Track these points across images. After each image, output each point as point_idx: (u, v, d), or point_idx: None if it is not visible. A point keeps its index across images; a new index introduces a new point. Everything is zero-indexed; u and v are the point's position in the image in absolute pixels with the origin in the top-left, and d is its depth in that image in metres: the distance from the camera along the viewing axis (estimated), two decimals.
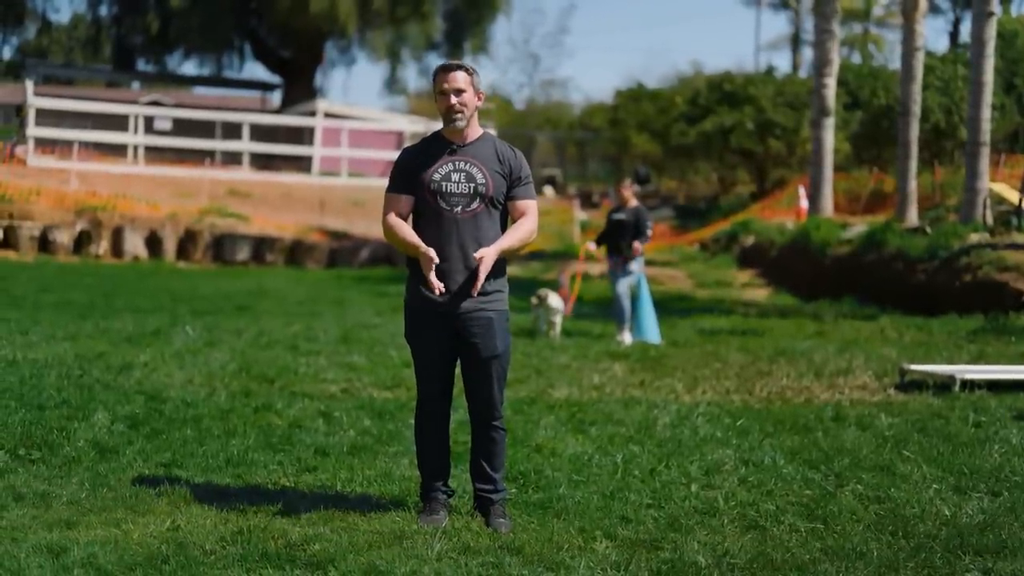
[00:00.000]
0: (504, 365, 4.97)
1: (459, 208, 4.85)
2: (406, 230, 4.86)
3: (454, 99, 4.84)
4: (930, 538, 4.75)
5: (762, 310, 16.60)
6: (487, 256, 4.76)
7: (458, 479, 5.45)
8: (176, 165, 30.85)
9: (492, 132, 5.09)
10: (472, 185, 4.86)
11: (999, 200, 18.35)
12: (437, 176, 4.86)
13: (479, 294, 4.83)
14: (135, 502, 5.12)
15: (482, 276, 4.76)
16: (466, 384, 5.00)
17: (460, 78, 4.87)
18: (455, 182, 4.85)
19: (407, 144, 30.31)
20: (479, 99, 4.93)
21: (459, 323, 4.86)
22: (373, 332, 12.00)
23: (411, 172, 4.91)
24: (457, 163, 4.88)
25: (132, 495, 5.23)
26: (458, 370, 5.04)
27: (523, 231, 4.92)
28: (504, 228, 4.98)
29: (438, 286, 4.74)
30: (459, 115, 4.85)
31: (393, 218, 4.91)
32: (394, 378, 8.86)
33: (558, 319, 12.32)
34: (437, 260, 4.74)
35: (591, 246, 13.07)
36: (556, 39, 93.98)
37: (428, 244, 4.82)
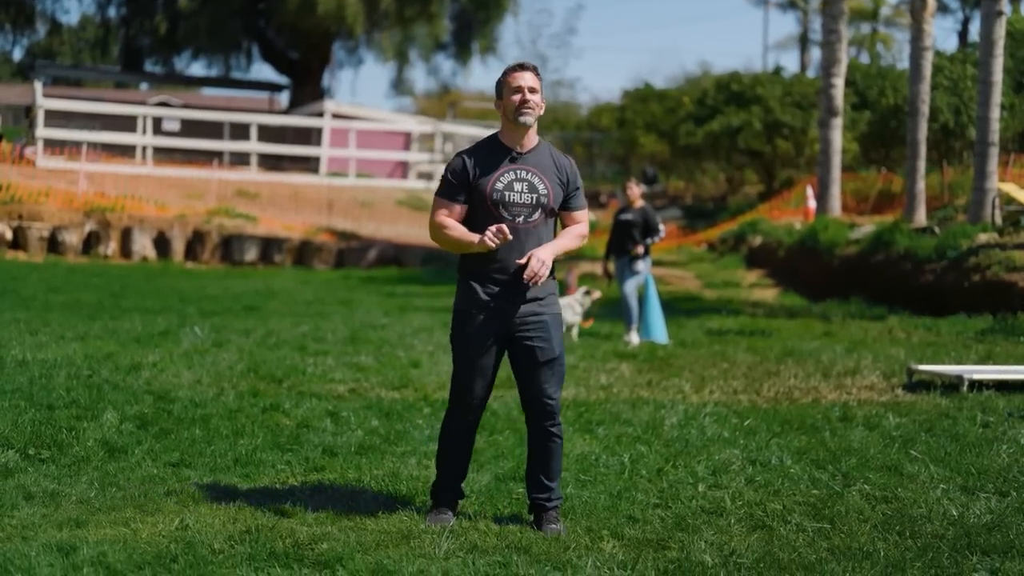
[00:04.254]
0: (561, 369, 4.94)
1: (521, 218, 4.81)
2: (459, 229, 4.79)
3: (529, 95, 4.82)
4: (937, 538, 4.75)
5: (770, 310, 16.58)
6: (545, 258, 4.72)
7: (465, 480, 5.46)
8: (184, 166, 30.90)
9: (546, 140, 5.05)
10: (535, 195, 4.82)
11: (1008, 200, 18.30)
12: (499, 185, 4.80)
13: (534, 299, 4.83)
14: (144, 501, 5.14)
15: (544, 274, 4.72)
16: (522, 390, 4.95)
17: (533, 78, 4.86)
18: (518, 192, 4.81)
19: (414, 144, 30.15)
20: (542, 106, 4.91)
21: (515, 327, 4.83)
22: (381, 332, 12.02)
23: (468, 180, 4.82)
24: (519, 172, 4.83)
25: (141, 494, 5.26)
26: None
27: (577, 235, 4.92)
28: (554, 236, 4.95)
29: (505, 233, 4.65)
30: (530, 111, 4.80)
31: (443, 216, 4.83)
32: (402, 378, 8.88)
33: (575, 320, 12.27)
34: (497, 241, 4.66)
35: (609, 269, 12.93)
36: (564, 40, 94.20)
37: (488, 255, 4.79)
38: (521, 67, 4.90)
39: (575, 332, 12.26)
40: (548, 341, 4.86)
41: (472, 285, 4.86)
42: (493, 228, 4.70)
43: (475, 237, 4.74)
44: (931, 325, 13.43)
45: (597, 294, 12.34)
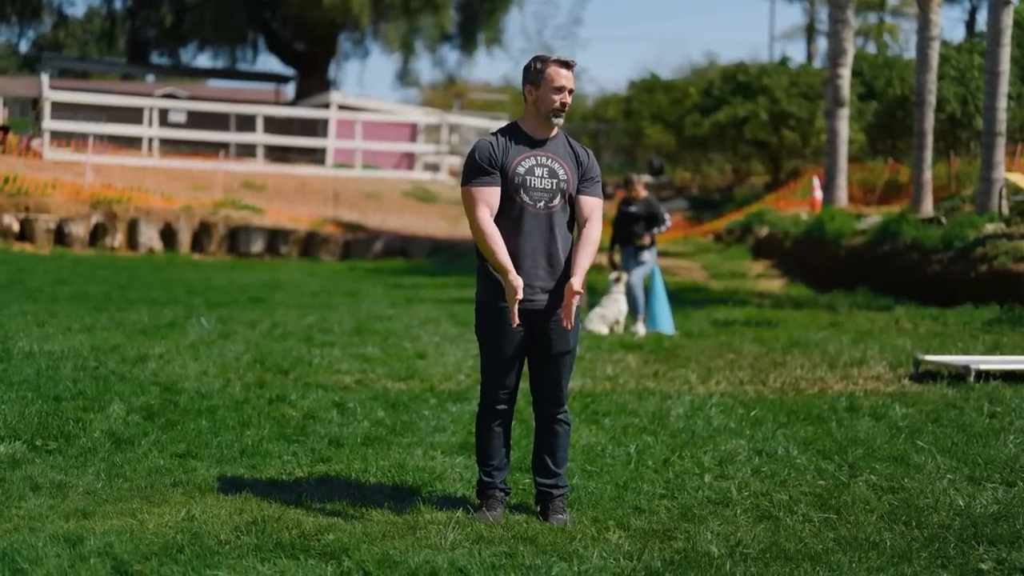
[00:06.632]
0: (572, 360, 4.99)
1: (541, 203, 4.83)
2: (500, 248, 4.72)
3: (568, 98, 4.86)
4: (944, 528, 4.75)
5: (776, 301, 16.56)
6: (576, 286, 4.70)
7: (471, 471, 5.45)
8: (190, 158, 30.88)
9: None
10: (555, 181, 4.85)
11: (1015, 190, 18.23)
12: (521, 169, 4.82)
13: (555, 291, 4.82)
14: (151, 492, 5.15)
15: (574, 307, 4.72)
16: (533, 377, 4.99)
17: (573, 77, 4.88)
18: (539, 176, 4.83)
19: (420, 135, 30.11)
20: None
21: (536, 317, 4.85)
22: (387, 324, 12.03)
23: (496, 163, 4.83)
24: (539, 158, 4.85)
25: (148, 485, 5.27)
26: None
27: (592, 244, 4.84)
28: (569, 225, 4.92)
29: (516, 319, 4.69)
30: (564, 113, 4.86)
31: (489, 225, 4.77)
32: (408, 369, 8.89)
33: (609, 314, 12.15)
34: (521, 295, 4.67)
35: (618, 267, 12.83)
36: (570, 30, 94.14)
37: (507, 238, 4.76)
38: (566, 64, 4.87)
39: (621, 326, 12.16)
40: (565, 334, 4.88)
41: (494, 276, 4.85)
42: (516, 314, 4.69)
43: (509, 267, 4.69)
44: (938, 315, 13.40)
45: (625, 276, 12.30)
